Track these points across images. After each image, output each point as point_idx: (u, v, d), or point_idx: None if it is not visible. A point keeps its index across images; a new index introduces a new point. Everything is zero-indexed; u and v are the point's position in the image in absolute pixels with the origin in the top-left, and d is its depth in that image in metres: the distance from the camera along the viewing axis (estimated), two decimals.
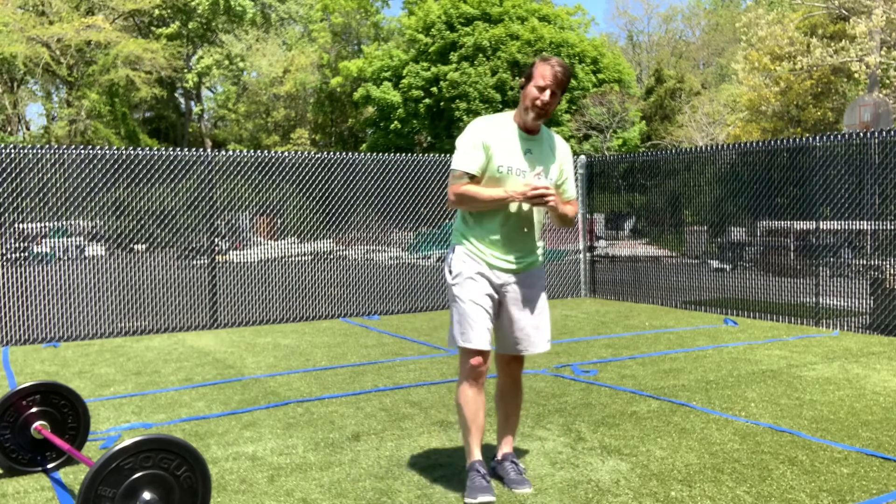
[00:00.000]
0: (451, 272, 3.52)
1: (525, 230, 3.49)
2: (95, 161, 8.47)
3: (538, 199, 3.30)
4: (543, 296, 3.62)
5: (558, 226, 3.61)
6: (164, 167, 8.71)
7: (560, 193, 3.56)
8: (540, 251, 3.60)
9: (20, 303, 8.19)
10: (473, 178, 3.42)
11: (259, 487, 3.66)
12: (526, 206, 3.43)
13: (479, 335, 3.41)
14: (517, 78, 26.56)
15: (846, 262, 8.80)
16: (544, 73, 3.36)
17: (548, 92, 3.36)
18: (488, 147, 3.41)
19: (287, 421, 4.78)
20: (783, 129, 24.14)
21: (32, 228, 9.04)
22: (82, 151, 8.44)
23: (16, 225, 8.41)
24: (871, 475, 3.66)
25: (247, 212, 10.21)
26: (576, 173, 11.31)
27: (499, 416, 3.74)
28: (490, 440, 4.29)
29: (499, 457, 3.69)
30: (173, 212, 8.96)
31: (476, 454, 3.49)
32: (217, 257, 9.24)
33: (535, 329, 3.55)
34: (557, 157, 3.55)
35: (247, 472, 3.87)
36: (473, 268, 3.47)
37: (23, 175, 8.15)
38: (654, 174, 10.92)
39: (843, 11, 20.52)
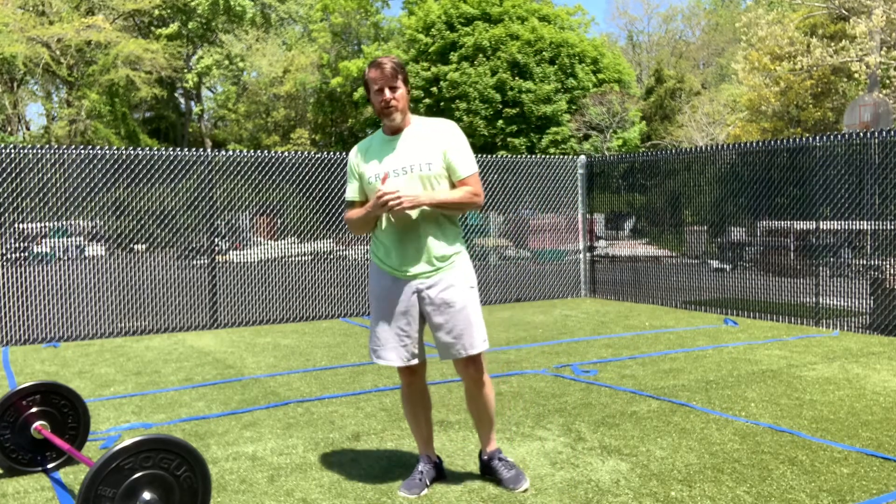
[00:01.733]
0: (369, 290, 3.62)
1: (418, 234, 3.37)
2: (95, 161, 8.47)
3: (388, 205, 3.23)
4: (466, 297, 3.44)
5: (457, 213, 3.44)
6: (164, 167, 8.71)
7: (451, 175, 3.41)
8: (451, 249, 3.43)
9: (20, 303, 8.19)
10: (357, 204, 3.50)
11: (259, 487, 3.66)
12: (393, 217, 3.35)
13: (387, 352, 3.50)
14: (517, 78, 26.55)
15: (846, 262, 8.80)
16: (373, 76, 3.34)
17: (386, 91, 3.32)
18: (356, 166, 3.50)
19: (287, 421, 4.78)
20: (783, 129, 24.14)
21: (32, 228, 9.04)
22: (82, 151, 8.44)
23: (16, 225, 8.41)
24: (871, 475, 3.66)
25: (247, 212, 10.21)
26: (576, 172, 11.36)
27: (472, 418, 3.71)
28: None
29: (485, 456, 3.66)
30: (173, 212, 8.96)
31: (421, 449, 3.70)
32: (217, 257, 9.24)
33: (460, 333, 3.42)
34: (433, 141, 3.40)
35: (247, 472, 3.87)
36: (381, 283, 3.49)
37: (23, 175, 8.15)
38: (654, 174, 10.92)
39: (843, 11, 20.52)
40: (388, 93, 3.33)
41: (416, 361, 3.53)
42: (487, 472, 3.67)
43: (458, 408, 4.97)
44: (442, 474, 3.71)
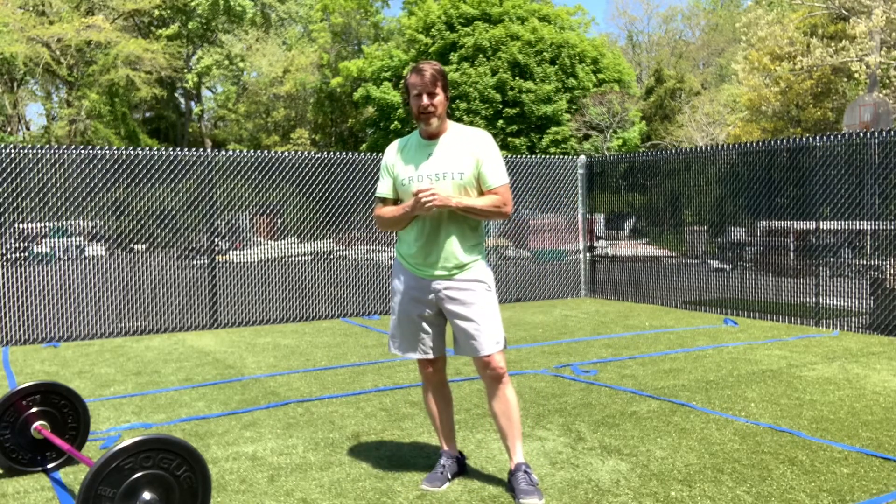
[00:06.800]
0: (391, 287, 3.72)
1: (442, 237, 3.46)
2: (95, 161, 8.47)
3: (426, 203, 3.30)
4: (483, 299, 3.50)
5: (485, 219, 3.53)
6: (164, 167, 8.72)
7: (482, 184, 3.48)
8: (471, 256, 3.51)
9: (20, 303, 8.19)
10: (389, 202, 3.58)
11: (259, 487, 3.66)
12: (431, 214, 3.41)
13: (403, 345, 3.62)
14: (517, 78, 26.55)
15: (846, 262, 8.80)
16: (413, 81, 3.43)
17: (424, 96, 3.40)
18: (391, 167, 3.57)
19: (287, 421, 4.78)
20: (783, 129, 24.14)
21: (32, 228, 9.04)
22: (82, 151, 8.44)
23: (16, 225, 8.41)
24: (871, 475, 3.66)
25: (247, 212, 10.20)
26: (576, 172, 11.36)
27: (495, 424, 3.65)
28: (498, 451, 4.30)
29: (511, 467, 3.55)
30: (173, 212, 8.96)
31: (442, 444, 3.77)
32: (217, 257, 9.24)
33: (476, 332, 3.46)
34: (467, 150, 3.47)
35: (247, 472, 3.87)
36: (403, 281, 3.59)
37: (23, 175, 8.15)
38: (654, 174, 10.92)
39: (843, 11, 20.52)
40: (426, 98, 3.40)
41: (432, 355, 3.61)
42: (510, 482, 3.53)
43: (458, 407, 4.97)
44: (464, 469, 3.76)
